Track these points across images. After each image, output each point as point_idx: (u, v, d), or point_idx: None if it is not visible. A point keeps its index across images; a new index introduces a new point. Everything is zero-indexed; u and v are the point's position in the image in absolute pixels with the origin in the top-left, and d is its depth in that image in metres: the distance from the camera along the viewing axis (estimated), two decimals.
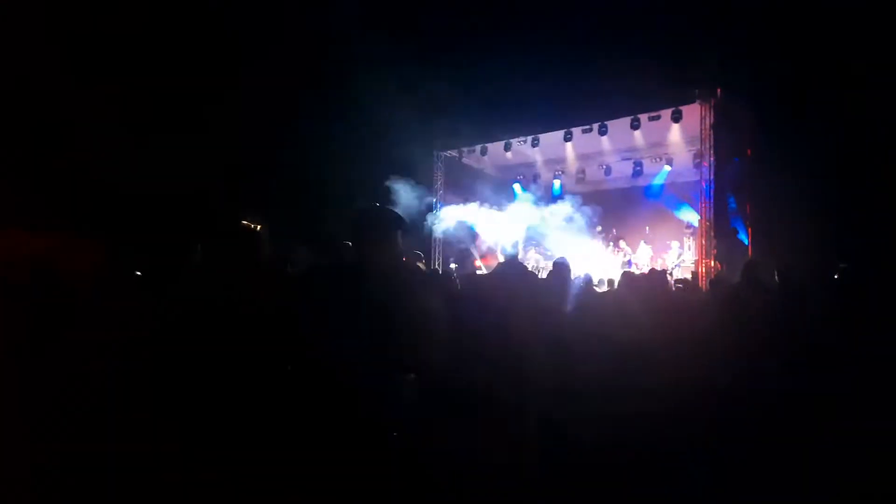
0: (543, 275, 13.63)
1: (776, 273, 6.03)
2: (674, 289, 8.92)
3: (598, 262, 14.65)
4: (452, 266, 15.13)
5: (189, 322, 3.06)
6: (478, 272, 14.66)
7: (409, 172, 16.09)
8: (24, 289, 3.94)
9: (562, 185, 16.53)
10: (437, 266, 15.39)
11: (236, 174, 13.17)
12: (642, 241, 14.50)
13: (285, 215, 14.11)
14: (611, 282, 9.66)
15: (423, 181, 16.25)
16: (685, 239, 13.90)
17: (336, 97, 14.43)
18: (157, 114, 11.54)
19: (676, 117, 12.78)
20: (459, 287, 6.46)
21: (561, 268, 6.41)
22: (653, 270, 7.98)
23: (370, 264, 2.81)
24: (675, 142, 13.90)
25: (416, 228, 15.63)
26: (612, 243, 14.83)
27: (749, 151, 12.47)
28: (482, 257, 16.94)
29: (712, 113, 12.27)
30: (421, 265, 7.25)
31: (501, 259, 13.66)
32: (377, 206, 3.05)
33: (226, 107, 12.02)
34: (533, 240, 15.80)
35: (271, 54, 12.68)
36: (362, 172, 15.64)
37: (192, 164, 11.63)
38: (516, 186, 17.03)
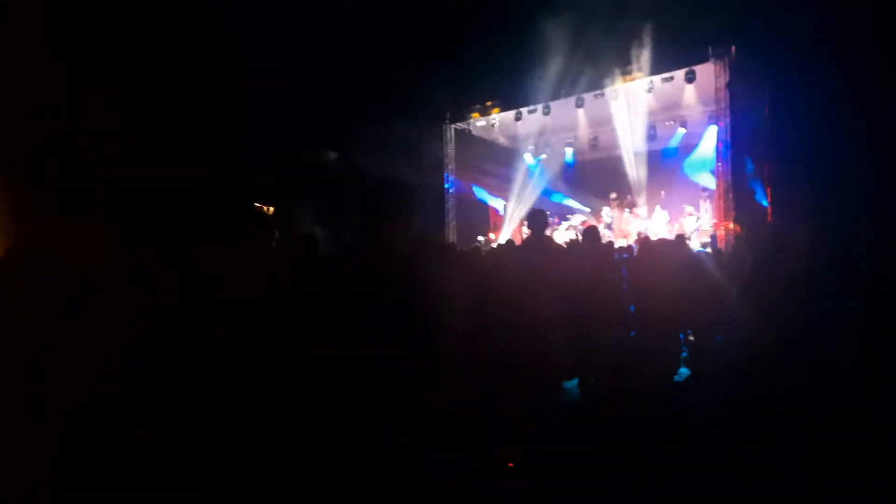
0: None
1: (800, 237, 5.95)
2: (695, 253, 8.85)
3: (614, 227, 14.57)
4: (480, 239, 15.15)
5: (197, 316, 3.05)
6: (494, 245, 14.66)
7: (418, 146, 16.01)
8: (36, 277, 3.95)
9: (574, 153, 16.34)
10: (452, 240, 15.35)
11: (244, 163, 13.17)
12: (658, 206, 14.34)
13: (296, 199, 14.20)
14: (629, 248, 9.58)
15: (433, 154, 16.19)
16: (702, 202, 13.72)
17: (344, 74, 14.28)
18: (169, 110, 11.51)
19: (690, 78, 12.58)
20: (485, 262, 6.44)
21: (592, 232, 6.36)
22: (679, 237, 7.89)
23: (389, 246, 2.71)
24: (689, 103, 13.65)
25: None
26: (627, 209, 14.69)
27: (766, 109, 12.22)
28: (494, 230, 16.93)
29: (727, 71, 12.01)
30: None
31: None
32: (393, 181, 2.89)
33: (229, 99, 11.97)
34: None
35: (275, 37, 12.56)
36: (372, 149, 15.56)
37: (204, 156, 11.65)
38: (527, 156, 16.85)
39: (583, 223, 14.73)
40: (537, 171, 17.14)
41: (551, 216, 14.40)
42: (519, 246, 5.38)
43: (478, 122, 16.02)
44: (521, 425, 4.17)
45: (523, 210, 16.40)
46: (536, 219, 5.03)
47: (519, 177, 16.90)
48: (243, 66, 12.04)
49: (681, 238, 7.83)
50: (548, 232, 6.29)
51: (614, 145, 15.47)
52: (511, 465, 3.43)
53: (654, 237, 11.41)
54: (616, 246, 8.65)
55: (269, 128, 13.05)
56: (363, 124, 14.77)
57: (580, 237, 10.55)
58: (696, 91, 13.11)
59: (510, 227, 16.55)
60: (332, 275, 2.79)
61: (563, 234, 14.64)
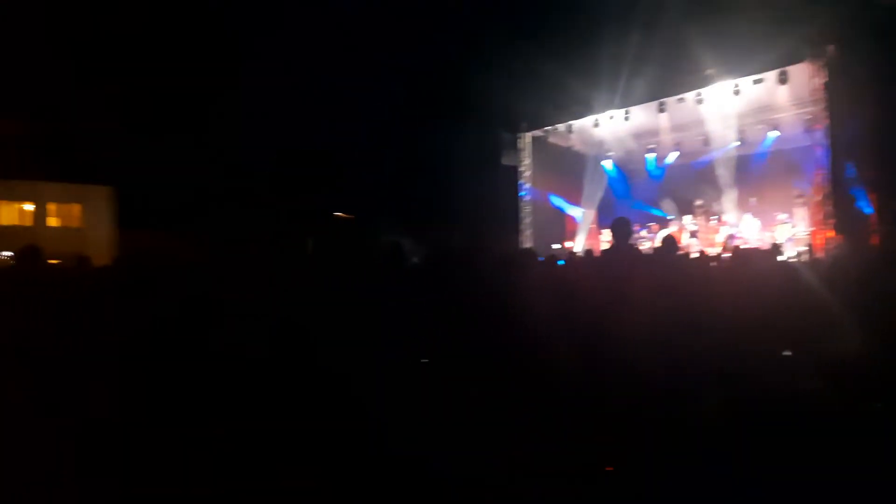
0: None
1: None
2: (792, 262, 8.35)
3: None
4: (556, 247, 14.93)
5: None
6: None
7: (494, 154, 15.99)
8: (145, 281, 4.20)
9: (656, 159, 15.81)
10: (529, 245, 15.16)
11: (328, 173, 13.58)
12: (748, 214, 13.65)
13: (381, 209, 14.51)
14: (718, 257, 9.16)
15: (509, 164, 16.11)
16: (796, 209, 12.94)
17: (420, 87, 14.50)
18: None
19: (783, 79, 11.92)
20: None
21: (670, 241, 6.11)
22: (774, 245, 7.47)
23: (486, 252, 2.72)
24: (782, 105, 12.92)
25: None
26: (714, 217, 14.05)
27: (869, 111, 11.39)
28: (570, 238, 16.63)
29: (824, 72, 11.30)
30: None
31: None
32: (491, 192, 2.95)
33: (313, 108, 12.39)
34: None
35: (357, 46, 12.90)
36: (449, 161, 15.69)
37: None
38: (606, 163, 16.45)
39: (681, 230, 14.22)
40: (616, 178, 16.71)
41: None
42: (602, 254, 5.23)
43: (554, 129, 15.77)
44: (610, 430, 4.02)
45: (601, 218, 16.04)
46: (620, 226, 4.85)
47: (597, 184, 16.54)
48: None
49: (776, 247, 7.40)
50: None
51: (699, 150, 14.88)
52: (610, 468, 3.29)
53: (743, 246, 10.86)
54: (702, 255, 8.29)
55: (340, 134, 13.40)
56: (439, 133, 14.92)
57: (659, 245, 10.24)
58: (789, 92, 12.39)
59: (587, 236, 16.19)
60: (430, 279, 2.80)
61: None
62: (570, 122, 15.14)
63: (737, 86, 12.27)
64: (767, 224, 13.35)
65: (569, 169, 16.71)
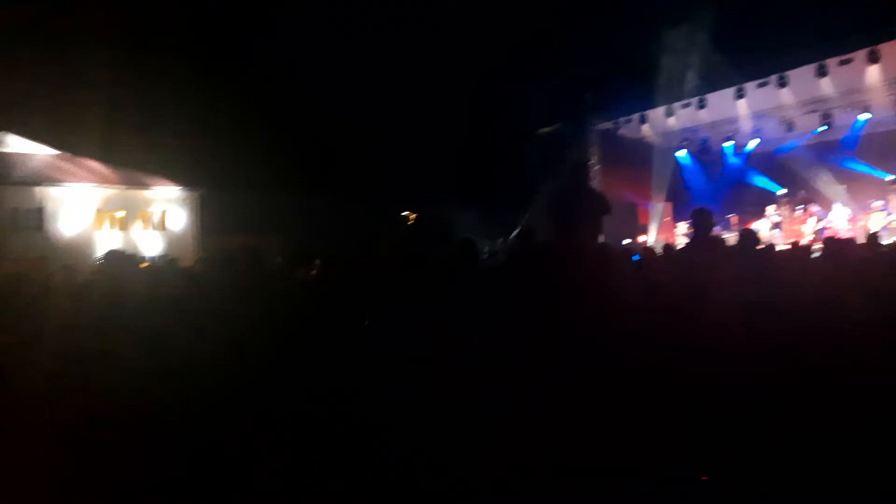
0: None
1: None
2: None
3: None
4: (626, 241, 14.62)
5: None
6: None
7: (561, 150, 15.76)
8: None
9: (734, 147, 15.15)
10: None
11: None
12: (838, 203, 12.91)
13: (450, 207, 14.59)
14: (806, 249, 8.71)
15: (577, 156, 15.81)
16: (891, 196, 12.15)
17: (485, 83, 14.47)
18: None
19: (873, 58, 11.19)
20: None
21: (749, 234, 5.84)
22: (871, 235, 7.05)
23: (581, 247, 2.71)
24: (872, 86, 12.12)
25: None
26: (800, 207, 13.37)
27: None
28: (643, 232, 16.21)
29: None
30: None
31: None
32: (592, 191, 2.96)
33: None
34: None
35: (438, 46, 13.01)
36: (515, 156, 15.58)
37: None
38: (681, 153, 15.88)
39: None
40: (692, 169, 16.14)
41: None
42: (684, 247, 5.07)
43: (626, 121, 15.35)
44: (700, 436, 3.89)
45: (676, 211, 15.55)
46: (701, 218, 4.69)
47: (670, 176, 16.03)
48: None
49: (873, 236, 6.98)
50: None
51: (782, 137, 14.17)
52: (705, 478, 3.19)
53: (835, 237, 10.30)
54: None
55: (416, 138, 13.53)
56: (508, 127, 14.84)
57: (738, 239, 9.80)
58: (880, 72, 11.61)
59: (661, 229, 15.71)
60: (508, 277, 2.81)
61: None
62: (643, 113, 14.69)
63: (823, 67, 11.61)
64: (859, 212, 12.60)
65: (640, 161, 16.16)
